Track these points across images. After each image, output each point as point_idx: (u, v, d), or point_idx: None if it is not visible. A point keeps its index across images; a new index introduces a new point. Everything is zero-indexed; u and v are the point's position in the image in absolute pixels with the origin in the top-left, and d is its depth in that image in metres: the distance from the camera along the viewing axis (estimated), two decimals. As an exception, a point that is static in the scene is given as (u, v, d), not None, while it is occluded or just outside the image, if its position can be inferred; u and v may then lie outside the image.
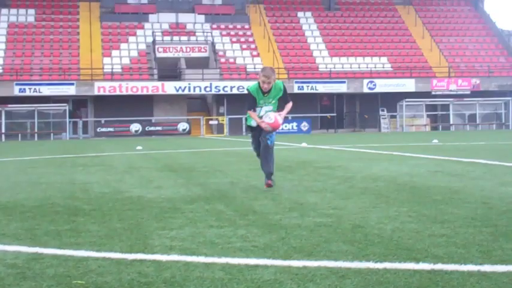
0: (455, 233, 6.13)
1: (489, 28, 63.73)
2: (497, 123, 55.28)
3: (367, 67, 56.08)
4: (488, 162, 14.90)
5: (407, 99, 53.49)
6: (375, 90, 53.72)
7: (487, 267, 4.82)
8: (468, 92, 54.51)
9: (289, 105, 10.62)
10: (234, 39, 58.12)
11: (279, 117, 10.20)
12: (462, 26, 62.61)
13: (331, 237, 6.08)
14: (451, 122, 55.13)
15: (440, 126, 55.40)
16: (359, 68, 56.37)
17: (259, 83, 10.09)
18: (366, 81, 53.78)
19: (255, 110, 10.22)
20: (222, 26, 59.06)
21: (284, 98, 10.39)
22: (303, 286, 4.39)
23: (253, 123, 10.32)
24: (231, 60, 55.86)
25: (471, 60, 58.41)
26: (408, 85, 53.98)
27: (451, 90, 54.23)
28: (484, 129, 53.05)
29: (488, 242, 5.72)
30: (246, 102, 10.49)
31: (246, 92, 10.61)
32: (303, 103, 53.48)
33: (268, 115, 10.11)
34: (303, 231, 6.44)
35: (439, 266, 4.82)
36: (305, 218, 7.25)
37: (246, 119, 10.89)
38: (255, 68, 54.65)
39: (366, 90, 53.71)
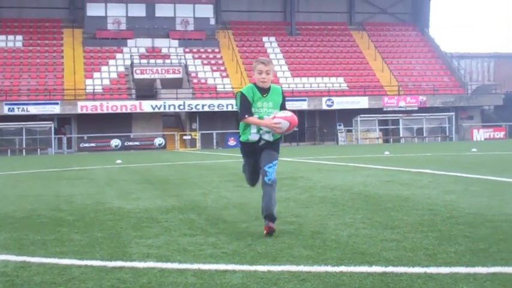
0: (404, 238, 6.17)
1: (434, 51, 64.36)
2: (442, 136, 55.75)
3: (325, 86, 56.40)
4: (434, 172, 15.02)
5: (361, 115, 53.93)
6: (333, 107, 54.05)
7: (432, 269, 4.86)
8: (416, 108, 55.03)
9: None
10: (205, 61, 58.16)
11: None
12: (410, 49, 63.13)
13: (293, 243, 6.10)
14: (401, 135, 55.50)
15: (391, 139, 55.82)
16: (318, 87, 56.64)
17: (253, 84, 7.05)
18: (324, 99, 54.12)
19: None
20: (194, 50, 59.06)
21: (284, 106, 7.08)
22: (267, 289, 4.40)
23: (252, 138, 6.93)
24: (203, 80, 55.91)
25: (418, 80, 58.95)
26: (362, 102, 54.50)
27: (400, 107, 54.72)
28: (431, 142, 53.49)
29: (433, 245, 5.78)
30: (239, 109, 7.02)
31: (236, 97, 7.16)
32: (268, 119, 53.81)
33: (277, 112, 6.92)
34: (268, 238, 6.45)
35: (390, 269, 4.86)
36: (270, 225, 7.26)
37: (239, 136, 7.21)
38: (224, 88, 54.89)
39: (324, 107, 54.03)
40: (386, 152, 29.21)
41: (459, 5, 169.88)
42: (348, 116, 54.27)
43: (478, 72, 68.08)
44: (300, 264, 5.14)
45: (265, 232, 6.62)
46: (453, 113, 56.01)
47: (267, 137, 6.90)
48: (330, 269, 4.93)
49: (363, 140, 54.53)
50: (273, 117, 6.79)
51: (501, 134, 56.53)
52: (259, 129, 6.89)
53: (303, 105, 53.93)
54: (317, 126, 57.02)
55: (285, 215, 8.17)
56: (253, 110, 6.88)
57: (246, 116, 6.87)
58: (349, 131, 55.68)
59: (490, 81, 64.43)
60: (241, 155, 7.20)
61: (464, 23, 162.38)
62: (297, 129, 53.71)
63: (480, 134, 55.87)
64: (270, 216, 6.70)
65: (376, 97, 55.47)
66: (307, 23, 65.12)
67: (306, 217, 7.90)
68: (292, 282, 4.59)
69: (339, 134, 55.26)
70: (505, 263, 5.01)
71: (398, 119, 55.19)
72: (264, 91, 6.92)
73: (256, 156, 6.95)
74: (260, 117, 6.83)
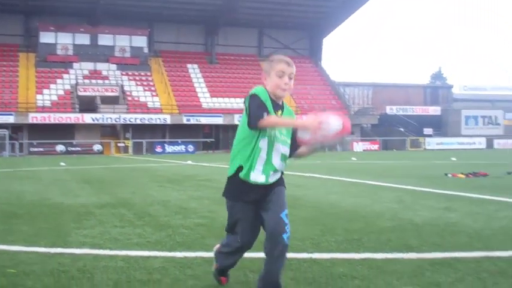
0: (295, 230, 6.20)
1: (325, 80, 65.50)
2: (329, 147, 56.76)
3: (237, 105, 56.79)
4: (322, 176, 15.30)
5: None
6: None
7: (316, 255, 4.95)
8: (310, 125, 55.88)
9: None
10: (139, 83, 57.64)
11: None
12: (306, 78, 63.89)
13: (207, 234, 6.10)
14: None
15: (290, 150, 56.42)
16: (232, 105, 56.97)
17: (265, 89, 3.83)
18: (236, 115, 54.38)
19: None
20: (130, 73, 58.40)
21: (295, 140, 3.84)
22: (183, 272, 4.39)
23: (256, 178, 3.78)
24: (136, 98, 55.39)
25: (312, 102, 59.86)
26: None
27: (297, 124, 55.45)
28: (321, 152, 54.39)
29: (318, 236, 5.87)
30: (250, 111, 3.66)
31: (246, 99, 3.73)
32: (190, 131, 53.73)
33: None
34: (185, 229, 6.42)
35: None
36: (187, 219, 7.23)
37: (235, 169, 3.84)
38: (154, 104, 54.62)
39: (236, 122, 54.18)
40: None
41: (347, 42, 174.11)
42: (255, 130, 54.56)
43: (359, 97, 69.63)
44: (211, 251, 5.12)
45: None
46: (339, 129, 57.18)
47: (273, 179, 3.82)
48: (234, 255, 4.95)
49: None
50: (319, 122, 3.63)
51: (376, 147, 58.12)
52: (268, 165, 3.77)
53: (219, 120, 54.34)
54: (230, 137, 57.18)
55: (200, 210, 8.16)
56: (263, 131, 3.72)
57: (265, 114, 3.63)
58: (256, 142, 55.99)
59: (368, 105, 66.02)
60: (226, 199, 3.98)
61: (349, 57, 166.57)
62: (213, 139, 54.65)
63: (359, 146, 57.22)
64: None
65: (278, 115, 55.99)
66: (224, 54, 65.23)
67: (219, 212, 7.88)
68: (203, 265, 4.60)
69: (247, 144, 55.52)
70: (373, 250, 5.15)
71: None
72: (277, 106, 3.81)
73: (254, 211, 3.85)
74: (271, 143, 3.76)
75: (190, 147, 52.32)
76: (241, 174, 3.78)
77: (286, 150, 3.85)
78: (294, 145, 3.86)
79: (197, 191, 11.46)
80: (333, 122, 3.65)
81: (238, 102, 57.22)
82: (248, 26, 64.84)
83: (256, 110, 3.64)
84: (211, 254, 4.96)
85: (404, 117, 64.20)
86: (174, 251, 5.19)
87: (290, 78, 3.87)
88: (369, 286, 3.90)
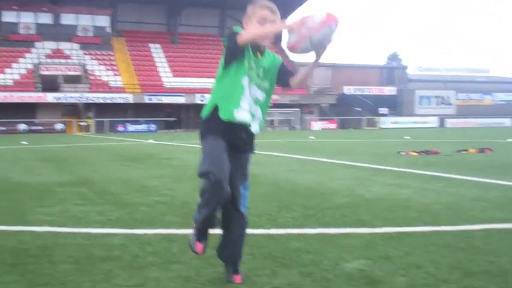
0: (253, 206, 6.24)
1: (285, 60, 65.29)
2: (289, 126, 57.08)
3: (199, 85, 56.42)
4: (281, 154, 15.38)
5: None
6: (204, 102, 53.70)
7: (273, 231, 4.99)
8: (271, 104, 55.91)
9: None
10: (101, 62, 56.84)
11: None
12: (266, 58, 63.98)
13: (166, 212, 6.08)
14: (258, 126, 56.33)
15: (250, 128, 56.45)
16: (194, 85, 56.60)
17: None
18: (198, 95, 54.11)
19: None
20: (92, 53, 57.48)
21: (286, 69, 3.78)
22: (142, 248, 4.37)
23: (242, 116, 3.51)
24: (98, 77, 54.68)
25: (272, 82, 59.94)
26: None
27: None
28: (281, 131, 54.61)
29: (275, 212, 5.91)
30: (230, 39, 3.53)
31: (230, 34, 3.53)
32: (152, 110, 53.29)
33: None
34: (146, 207, 6.39)
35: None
36: (148, 197, 7.20)
37: (211, 109, 3.56)
38: (116, 83, 54.00)
39: (198, 101, 53.93)
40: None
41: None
42: (216, 109, 54.46)
43: (319, 77, 69.85)
44: (170, 228, 5.15)
45: (236, 281, 3.54)
46: (298, 109, 57.52)
47: (254, 128, 3.62)
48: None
49: (228, 129, 54.85)
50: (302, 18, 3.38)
51: (333, 126, 58.66)
52: (250, 106, 3.55)
53: (181, 100, 54.08)
54: (191, 116, 56.88)
55: (161, 188, 8.12)
56: (240, 67, 3.53)
57: (242, 33, 3.46)
58: (218, 121, 55.88)
59: (327, 85, 66.33)
60: (202, 139, 3.61)
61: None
62: (175, 119, 54.25)
63: (318, 125, 57.67)
64: (236, 265, 3.63)
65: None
66: (187, 34, 64.61)
67: (178, 190, 7.88)
68: (163, 242, 4.59)
69: (208, 123, 55.42)
70: (327, 225, 5.21)
71: (256, 113, 55.84)
72: (257, 49, 3.61)
73: (234, 149, 3.55)
74: (249, 85, 3.55)
75: (152, 127, 51.99)
76: (223, 114, 3.50)
77: (259, 95, 3.64)
78: (285, 75, 3.73)
79: (158, 169, 11.41)
80: (317, 14, 3.41)
81: (200, 82, 56.90)
82: (210, 6, 64.29)
83: (234, 35, 3.49)
84: (171, 231, 4.99)
85: (361, 97, 64.80)
86: (134, 228, 5.17)
87: (273, 21, 3.56)
88: (322, 259, 3.96)
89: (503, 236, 4.69)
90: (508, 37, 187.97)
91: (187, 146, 22.24)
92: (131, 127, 51.19)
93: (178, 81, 57.10)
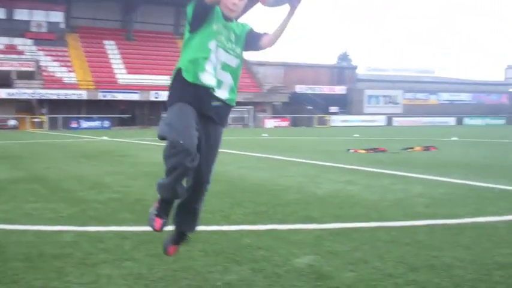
0: (206, 203, 6.23)
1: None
2: (242, 123, 57.11)
3: (154, 82, 55.93)
4: (234, 151, 15.36)
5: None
6: (159, 99, 53.57)
7: (225, 227, 4.99)
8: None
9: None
10: (55, 58, 55.58)
11: None
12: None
13: (119, 209, 6.00)
14: (212, 123, 56.12)
15: (204, 126, 56.20)
16: (148, 82, 56.06)
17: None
18: (152, 92, 53.59)
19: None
20: (46, 48, 56.14)
21: (256, 33, 3.57)
22: (94, 245, 4.31)
23: (207, 79, 3.35)
24: (52, 73, 53.47)
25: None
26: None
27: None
28: (234, 128, 54.61)
29: (228, 209, 5.90)
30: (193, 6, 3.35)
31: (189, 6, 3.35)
32: (106, 107, 52.50)
33: None
34: (99, 204, 6.30)
35: (193, 228, 4.92)
36: (101, 194, 7.10)
37: (176, 73, 3.44)
38: (70, 80, 52.99)
39: (152, 98, 53.45)
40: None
41: (261, 23, 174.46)
42: (171, 106, 54.19)
43: (271, 76, 70.05)
44: (122, 225, 5.08)
45: (169, 252, 3.65)
46: (252, 107, 57.59)
47: (223, 94, 3.46)
48: (146, 228, 4.80)
49: (182, 126, 54.53)
50: None
51: (286, 123, 58.99)
52: (215, 71, 3.39)
53: (136, 97, 53.35)
54: (146, 113, 56.35)
55: (114, 185, 8.01)
56: (206, 31, 3.35)
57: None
58: (172, 118, 55.53)
59: (280, 84, 66.61)
60: (169, 107, 3.39)
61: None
62: (130, 115, 53.50)
63: (271, 123, 57.87)
64: (184, 236, 3.69)
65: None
66: (142, 31, 63.83)
67: (132, 187, 7.80)
68: (115, 239, 4.53)
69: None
70: (279, 221, 5.25)
71: (210, 110, 55.66)
72: (227, 18, 3.46)
73: (202, 117, 3.37)
74: (216, 48, 3.39)
75: (106, 123, 51.25)
76: (188, 75, 3.35)
77: (230, 60, 3.46)
78: (254, 39, 3.54)
79: (112, 166, 11.26)
80: None
81: (154, 79, 56.41)
82: (166, 4, 63.67)
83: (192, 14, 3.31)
84: (123, 228, 4.94)
85: (313, 95, 65.35)
86: (86, 225, 5.09)
87: (240, 0, 3.40)
88: (273, 255, 3.98)
89: (446, 231, 4.80)
90: (453, 39, 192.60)
91: (142, 143, 22.01)
92: (85, 124, 50.32)
93: (132, 78, 56.42)
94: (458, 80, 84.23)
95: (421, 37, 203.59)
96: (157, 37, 64.28)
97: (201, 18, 3.35)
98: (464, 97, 75.14)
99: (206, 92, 3.38)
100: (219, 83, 3.41)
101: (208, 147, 3.47)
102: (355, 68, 77.64)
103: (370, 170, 10.12)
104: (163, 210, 3.46)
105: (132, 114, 55.18)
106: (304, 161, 12.21)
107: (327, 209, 5.90)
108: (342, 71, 75.54)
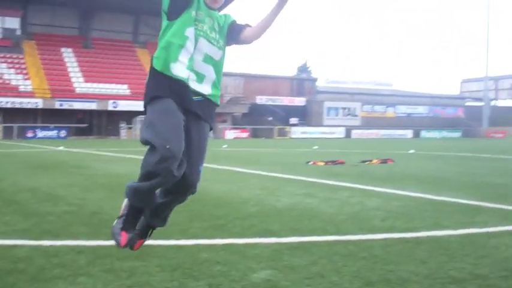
0: (164, 217, 6.22)
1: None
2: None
3: (112, 91, 55.42)
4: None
5: (140, 116, 53.60)
6: (117, 109, 53.15)
7: (182, 241, 4.94)
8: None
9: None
10: (10, 65, 54.52)
11: None
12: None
13: (74, 222, 5.91)
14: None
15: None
16: (106, 91, 55.49)
17: None
18: (110, 101, 53.08)
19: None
20: (1, 55, 55.06)
21: (238, 25, 3.31)
22: (48, 260, 4.23)
23: (178, 71, 3.09)
24: (7, 81, 52.39)
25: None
26: (142, 106, 53.91)
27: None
28: None
29: (185, 222, 5.84)
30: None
31: None
32: (63, 116, 51.68)
33: None
34: (53, 217, 6.19)
35: (148, 242, 4.86)
36: (56, 207, 6.97)
37: (152, 62, 3.22)
38: (25, 88, 51.95)
39: (110, 108, 52.95)
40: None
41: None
42: (129, 116, 53.64)
43: (232, 87, 70.22)
44: (78, 239, 5.00)
45: (135, 248, 3.46)
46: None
47: (204, 89, 3.18)
48: (102, 243, 4.84)
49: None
50: None
51: (246, 135, 59.10)
52: (191, 62, 3.10)
53: (93, 106, 52.68)
54: (104, 123, 55.70)
55: (69, 197, 7.89)
56: (184, 17, 3.09)
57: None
58: (130, 128, 55.02)
59: (240, 94, 66.77)
60: (149, 105, 3.21)
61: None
62: (87, 125, 52.74)
63: (231, 134, 57.88)
64: (153, 230, 3.54)
65: (153, 102, 55.61)
66: (100, 39, 63.22)
67: (88, 200, 7.68)
68: (70, 254, 4.46)
69: (121, 130, 54.44)
70: (237, 235, 5.24)
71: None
72: (211, 7, 3.24)
73: (184, 111, 3.10)
74: (196, 38, 3.09)
75: (63, 133, 50.39)
76: (158, 65, 3.08)
77: (213, 52, 3.17)
78: (236, 31, 3.27)
79: (67, 177, 11.07)
80: None
81: (113, 88, 55.90)
82: (124, 11, 63.24)
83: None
84: (78, 242, 4.85)
85: (273, 107, 65.71)
86: (40, 239, 4.98)
87: None
88: (230, 270, 3.98)
89: (402, 245, 4.88)
90: (409, 53, 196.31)
91: (99, 153, 21.74)
92: (41, 133, 49.39)
93: (90, 87, 55.70)
94: (415, 94, 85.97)
95: (380, 50, 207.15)
96: (115, 45, 63.73)
97: (179, 6, 3.09)
98: (421, 110, 76.70)
99: (181, 85, 3.08)
100: (200, 77, 3.14)
101: (194, 147, 3.16)
102: (315, 79, 78.44)
103: (328, 182, 10.22)
104: (130, 222, 3.20)
105: (90, 123, 54.49)
106: (264, 173, 12.25)
107: (286, 222, 5.93)
108: (302, 82, 76.21)
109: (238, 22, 3.34)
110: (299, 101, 69.02)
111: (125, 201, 3.33)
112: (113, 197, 7.99)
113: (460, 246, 4.81)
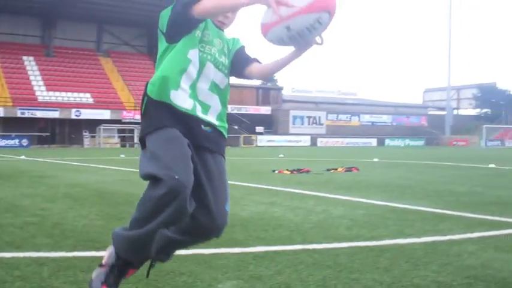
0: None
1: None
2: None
3: (75, 100, 54.82)
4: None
5: (104, 124, 53.20)
6: (80, 117, 52.59)
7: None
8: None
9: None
10: (-31, 73, 53.58)
11: None
12: (145, 74, 63.17)
13: (36, 233, 5.81)
14: (135, 141, 55.40)
15: (127, 144, 55.47)
16: (69, 100, 54.83)
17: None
18: (73, 110, 52.48)
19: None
20: (-41, 63, 54.13)
21: (246, 56, 2.99)
22: (10, 273, 4.14)
23: (181, 102, 2.64)
24: (-34, 89, 51.42)
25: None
26: (105, 114, 53.87)
27: (136, 119, 54.68)
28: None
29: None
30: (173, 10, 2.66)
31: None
32: (24, 125, 50.80)
33: None
34: (15, 228, 6.07)
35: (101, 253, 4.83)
36: (18, 217, 6.84)
37: (148, 87, 2.71)
38: (-15, 96, 51.02)
39: (73, 116, 52.34)
40: (122, 155, 29.03)
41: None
42: (93, 124, 53.23)
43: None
44: (40, 251, 4.92)
45: (127, 276, 3.08)
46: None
47: (210, 118, 2.80)
48: (64, 254, 4.76)
49: (104, 145, 53.61)
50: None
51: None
52: (194, 89, 2.70)
53: (55, 114, 52.04)
54: (66, 132, 54.98)
55: (32, 208, 7.75)
56: (188, 38, 2.67)
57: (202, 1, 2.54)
58: (93, 136, 54.50)
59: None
60: (147, 137, 2.71)
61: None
62: (49, 134, 52.00)
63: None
64: (154, 264, 3.19)
65: (116, 111, 55.12)
66: (62, 47, 62.50)
67: (50, 210, 7.56)
68: (32, 266, 4.37)
69: (84, 139, 53.88)
70: (202, 245, 5.17)
71: (133, 129, 55.00)
72: (225, 24, 2.91)
73: (198, 150, 2.76)
74: (202, 62, 2.70)
75: (25, 141, 49.56)
76: (153, 92, 2.60)
77: (219, 80, 2.78)
78: (242, 62, 2.89)
79: (30, 187, 10.88)
80: None
81: (75, 97, 55.34)
82: (87, 20, 62.68)
83: (188, 2, 2.53)
84: (41, 254, 4.77)
85: (239, 115, 65.78)
86: (1, 251, 4.89)
87: (233, 13, 2.80)
88: (195, 281, 3.96)
89: (366, 253, 4.93)
90: (373, 62, 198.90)
91: (61, 162, 21.42)
92: (2, 142, 48.46)
93: (52, 96, 55.00)
94: (379, 102, 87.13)
95: (344, 59, 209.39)
96: (78, 53, 63.14)
97: (182, 31, 2.66)
98: (385, 119, 77.70)
99: (186, 115, 2.65)
100: (205, 108, 2.72)
101: (216, 182, 2.82)
102: (280, 88, 78.83)
103: (294, 191, 10.27)
104: (115, 276, 2.74)
105: (52, 132, 53.72)
106: (229, 182, 12.20)
107: (251, 232, 5.94)
108: (268, 91, 76.50)
109: (247, 52, 2.99)
110: (265, 110, 69.25)
111: (111, 249, 2.87)
112: (76, 207, 7.89)
113: (423, 254, 4.88)
